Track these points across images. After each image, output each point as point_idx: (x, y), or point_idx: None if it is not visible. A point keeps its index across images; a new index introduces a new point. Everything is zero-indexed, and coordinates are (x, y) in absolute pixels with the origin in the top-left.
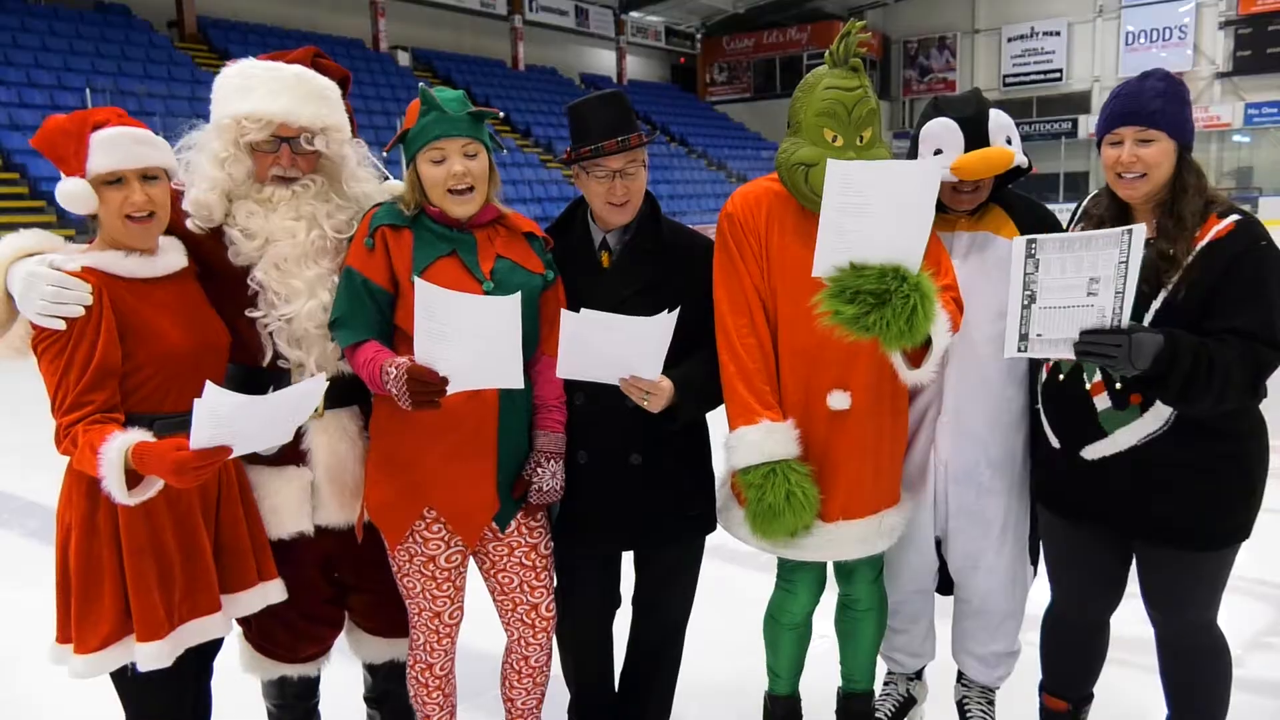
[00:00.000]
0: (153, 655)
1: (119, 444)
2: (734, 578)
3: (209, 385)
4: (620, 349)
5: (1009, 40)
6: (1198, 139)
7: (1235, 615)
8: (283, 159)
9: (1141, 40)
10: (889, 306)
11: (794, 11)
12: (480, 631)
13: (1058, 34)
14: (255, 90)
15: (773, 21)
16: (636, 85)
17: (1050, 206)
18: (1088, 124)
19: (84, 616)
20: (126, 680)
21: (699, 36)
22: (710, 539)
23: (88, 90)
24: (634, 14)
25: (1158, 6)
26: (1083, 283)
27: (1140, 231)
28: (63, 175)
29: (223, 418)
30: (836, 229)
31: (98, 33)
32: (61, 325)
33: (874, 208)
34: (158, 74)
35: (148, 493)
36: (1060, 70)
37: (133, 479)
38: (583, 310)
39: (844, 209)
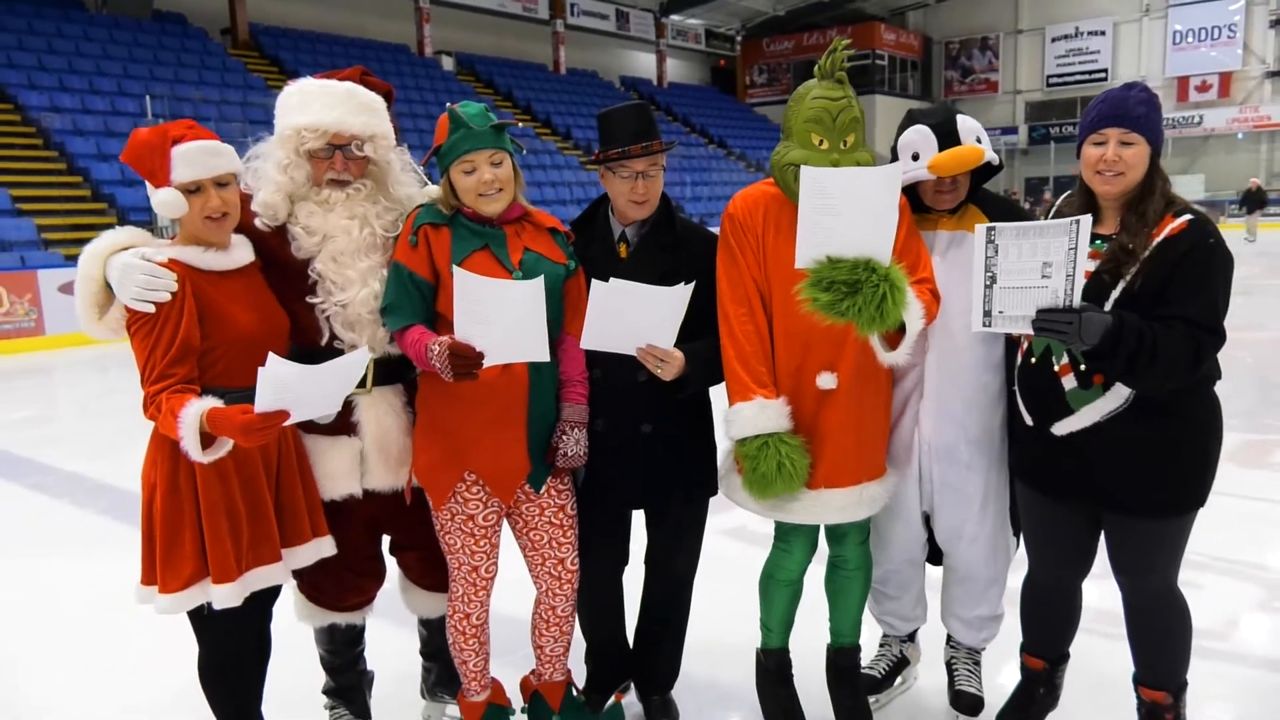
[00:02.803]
0: (225, 595)
1: (195, 409)
2: (754, 556)
3: (271, 356)
4: (640, 318)
5: (1053, 40)
6: (1248, 139)
7: (1228, 595)
8: (336, 163)
9: (1189, 39)
10: (860, 294)
11: (834, 13)
12: (511, 597)
13: (1103, 34)
14: (312, 105)
15: (812, 23)
16: (676, 88)
17: None
18: None
19: (168, 561)
20: (202, 619)
21: (739, 39)
22: (731, 522)
23: (147, 97)
24: (674, 17)
25: (1206, 5)
26: (1037, 266)
27: (1086, 222)
28: (151, 186)
29: (282, 384)
30: (812, 227)
31: (155, 41)
32: (152, 309)
33: (844, 208)
34: (212, 80)
35: (219, 453)
36: (1105, 70)
37: (206, 440)
38: (610, 279)
39: (818, 209)
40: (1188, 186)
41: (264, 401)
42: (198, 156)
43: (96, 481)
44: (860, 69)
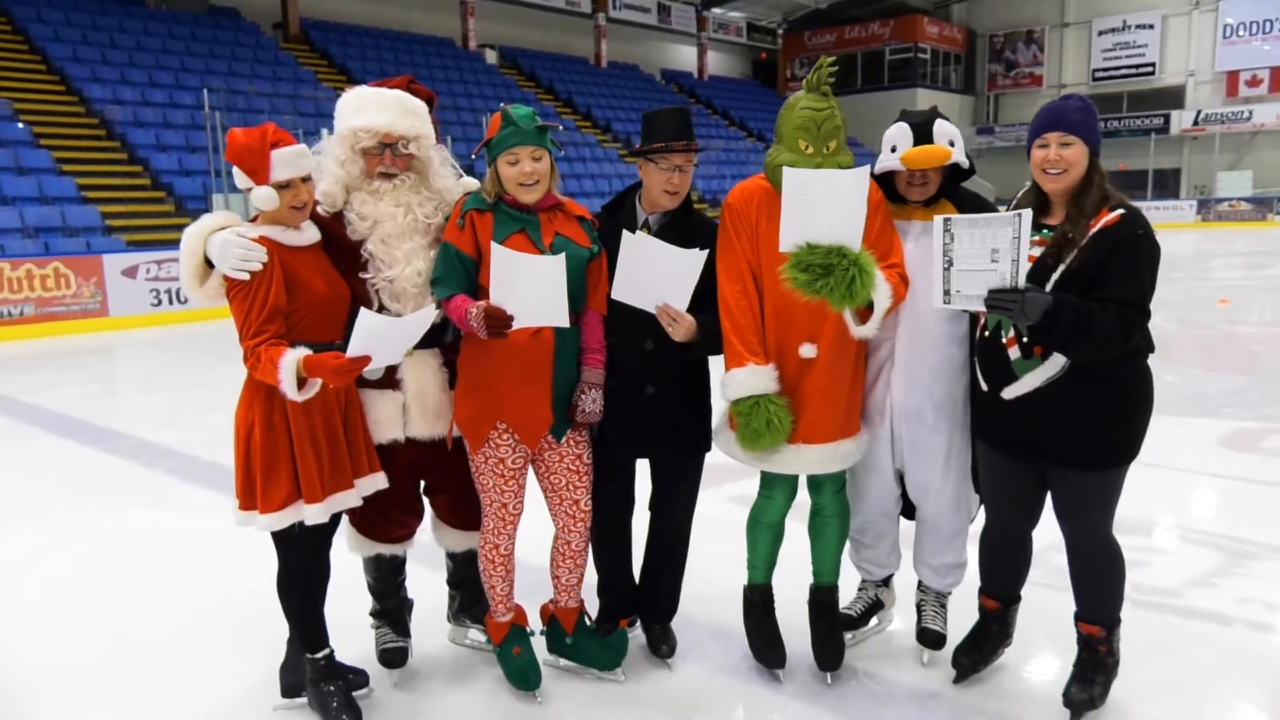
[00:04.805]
0: (316, 513)
1: (292, 357)
2: None
3: (363, 310)
4: (661, 277)
5: (1099, 33)
6: None
7: (1191, 560)
8: (386, 159)
9: (1241, 33)
10: (833, 275)
11: (877, 6)
12: (535, 549)
13: (1151, 27)
14: (366, 109)
15: (855, 16)
16: (717, 81)
17: (1138, 204)
18: (1180, 119)
19: (267, 487)
20: (285, 537)
21: (780, 32)
22: (737, 490)
23: (204, 90)
24: (716, 10)
25: None
26: (986, 252)
27: (1028, 216)
28: (252, 182)
29: (371, 332)
30: (793, 218)
31: (210, 35)
32: (247, 277)
33: (820, 203)
34: (264, 74)
35: (310, 393)
36: (1153, 64)
37: (299, 383)
38: (638, 233)
39: (799, 203)
40: (1235, 183)
41: (355, 346)
42: (293, 159)
43: (162, 446)
44: (902, 63)
